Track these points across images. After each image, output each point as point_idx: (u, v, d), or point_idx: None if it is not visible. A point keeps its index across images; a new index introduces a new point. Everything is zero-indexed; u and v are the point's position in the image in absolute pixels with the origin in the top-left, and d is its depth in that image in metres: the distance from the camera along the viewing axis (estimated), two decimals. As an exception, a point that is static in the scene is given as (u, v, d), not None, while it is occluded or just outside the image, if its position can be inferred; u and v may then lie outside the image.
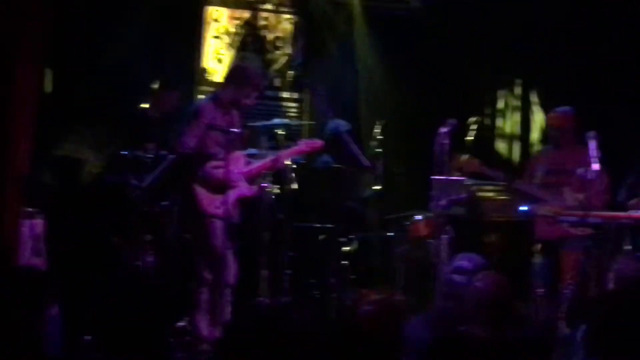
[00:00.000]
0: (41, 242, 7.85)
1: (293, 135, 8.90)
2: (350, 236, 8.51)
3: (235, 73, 7.74)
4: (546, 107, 8.41)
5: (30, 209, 7.65)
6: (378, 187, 8.47)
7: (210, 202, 7.17)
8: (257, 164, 7.70)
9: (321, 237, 8.50)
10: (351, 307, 7.84)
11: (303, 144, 8.01)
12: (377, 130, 8.56)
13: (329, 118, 8.29)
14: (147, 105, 8.59)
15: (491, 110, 9.88)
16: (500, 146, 9.23)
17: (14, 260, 6.70)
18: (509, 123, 9.99)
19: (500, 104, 10.18)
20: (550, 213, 7.98)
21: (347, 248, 8.43)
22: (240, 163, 7.45)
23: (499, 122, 9.70)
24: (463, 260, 6.77)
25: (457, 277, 5.92)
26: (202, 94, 10.02)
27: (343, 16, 10.57)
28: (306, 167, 8.94)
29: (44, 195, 7.68)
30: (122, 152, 7.83)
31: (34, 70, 6.70)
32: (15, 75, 6.58)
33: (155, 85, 8.61)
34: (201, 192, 7.23)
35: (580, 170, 7.73)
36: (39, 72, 6.71)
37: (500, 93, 10.21)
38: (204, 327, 7.33)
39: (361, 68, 10.40)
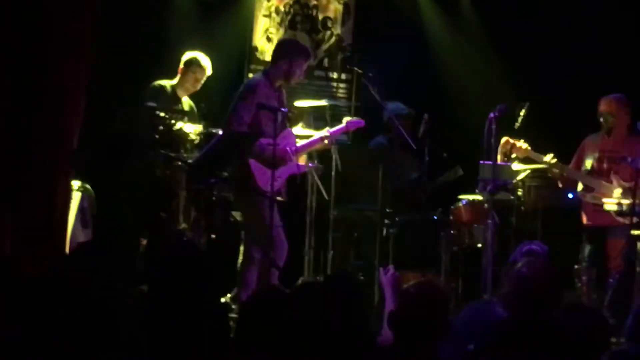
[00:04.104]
0: (88, 214, 7.95)
1: (341, 116, 8.92)
2: (395, 218, 8.49)
3: (285, 46, 7.80)
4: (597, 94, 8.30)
5: (78, 182, 7.75)
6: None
7: (265, 178, 7.17)
8: (305, 142, 7.72)
9: (376, 219, 8.45)
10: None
11: (348, 123, 8.07)
12: (425, 115, 8.56)
13: (378, 100, 8.27)
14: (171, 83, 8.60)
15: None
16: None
17: (64, 231, 6.81)
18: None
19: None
20: (598, 200, 7.95)
21: (391, 230, 8.42)
22: (290, 141, 7.48)
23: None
24: (533, 245, 6.79)
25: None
26: (252, 72, 10.05)
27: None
28: (359, 147, 8.99)
29: (94, 170, 7.76)
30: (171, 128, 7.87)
31: (86, 48, 6.76)
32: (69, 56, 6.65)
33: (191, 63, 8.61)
34: (256, 167, 7.25)
35: (629, 159, 7.68)
36: (89, 50, 6.76)
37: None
38: (249, 305, 7.37)
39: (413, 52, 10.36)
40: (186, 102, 8.62)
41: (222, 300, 7.78)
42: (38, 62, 6.49)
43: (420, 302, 4.39)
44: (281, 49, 7.74)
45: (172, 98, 8.49)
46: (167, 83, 8.54)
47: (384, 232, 8.44)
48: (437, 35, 10.54)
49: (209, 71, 8.57)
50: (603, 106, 8.13)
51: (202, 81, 8.58)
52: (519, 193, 8.43)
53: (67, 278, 4.15)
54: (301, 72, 7.64)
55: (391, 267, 5.54)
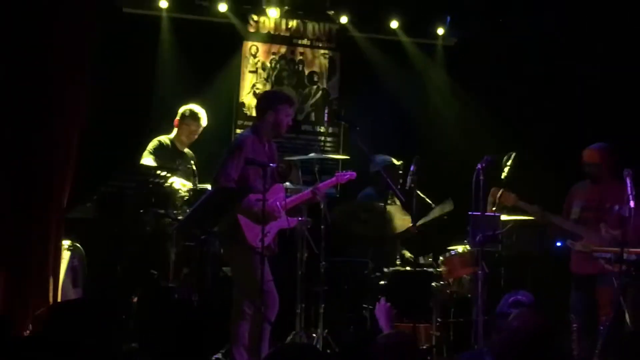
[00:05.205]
0: (79, 273, 7.94)
1: (329, 169, 8.97)
2: (385, 270, 8.52)
3: (267, 97, 7.83)
4: (583, 142, 8.36)
5: (68, 242, 7.75)
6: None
7: (254, 233, 7.18)
8: (295, 196, 7.75)
9: (365, 271, 8.49)
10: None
11: (338, 176, 8.12)
12: (413, 165, 8.63)
13: (366, 153, 8.33)
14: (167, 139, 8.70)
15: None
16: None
17: (55, 291, 6.81)
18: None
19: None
20: (586, 249, 7.95)
21: (381, 282, 8.45)
22: (279, 196, 7.50)
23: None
24: (519, 295, 6.80)
25: (515, 311, 5.92)
26: (239, 127, 10.14)
27: (378, 51, 10.67)
28: (347, 200, 9.05)
29: (84, 229, 7.77)
30: (163, 185, 7.93)
31: (79, 110, 6.84)
32: (65, 118, 6.73)
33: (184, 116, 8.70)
34: (246, 223, 7.26)
35: (617, 207, 7.72)
36: (82, 111, 6.85)
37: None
38: (241, 360, 7.37)
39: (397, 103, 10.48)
40: (187, 155, 8.73)
41: (214, 356, 7.79)
42: (31, 122, 6.56)
43: (390, 352, 4.42)
44: (264, 101, 7.74)
45: (172, 152, 8.60)
46: (166, 138, 8.64)
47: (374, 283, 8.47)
48: (423, 87, 10.67)
49: (204, 122, 8.68)
50: (587, 157, 8.15)
51: (199, 132, 8.69)
52: (508, 243, 8.47)
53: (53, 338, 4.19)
54: (289, 120, 7.65)
55: (383, 299, 5.59)
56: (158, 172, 7.92)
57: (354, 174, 8.21)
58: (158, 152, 8.52)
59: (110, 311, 7.44)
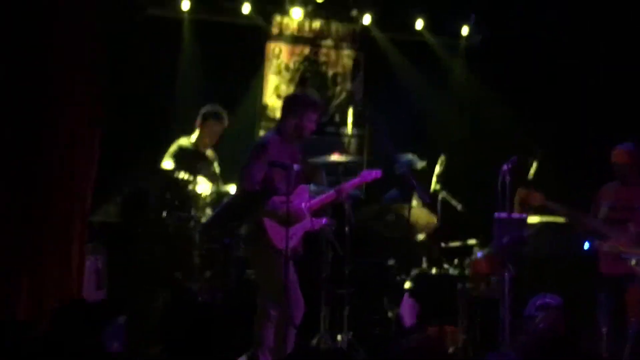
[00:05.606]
0: (103, 276, 7.94)
1: (353, 170, 8.89)
2: (411, 272, 8.47)
3: (292, 101, 7.73)
4: (607, 143, 8.27)
5: (93, 245, 7.75)
6: None
7: (280, 236, 7.11)
8: (319, 197, 7.68)
9: (390, 273, 8.45)
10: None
11: (364, 175, 8.02)
12: (438, 165, 8.57)
13: (390, 153, 8.27)
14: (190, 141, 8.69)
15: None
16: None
17: (78, 293, 6.79)
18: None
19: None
20: (614, 249, 7.88)
21: (407, 284, 8.39)
22: (304, 197, 7.43)
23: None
24: (546, 297, 6.74)
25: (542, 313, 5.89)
26: (263, 129, 10.11)
27: (401, 51, 10.62)
28: (373, 202, 9.00)
29: (108, 232, 7.77)
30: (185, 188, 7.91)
31: (94, 110, 6.82)
32: (77, 117, 6.72)
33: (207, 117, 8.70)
34: (271, 225, 7.20)
35: (646, 206, 7.66)
36: (99, 111, 6.83)
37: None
38: (266, 363, 7.32)
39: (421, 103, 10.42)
40: (210, 157, 8.71)
41: (239, 359, 7.75)
42: (52, 128, 6.55)
43: (414, 355, 4.39)
44: (289, 105, 7.66)
45: (194, 155, 8.58)
46: (186, 141, 8.62)
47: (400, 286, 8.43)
48: (447, 87, 10.61)
49: (225, 122, 8.67)
50: (615, 157, 8.10)
51: (221, 132, 8.68)
52: (535, 244, 8.39)
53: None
54: (312, 125, 7.57)
55: (407, 295, 5.57)
56: (177, 175, 7.89)
57: (380, 172, 8.10)
58: (179, 156, 8.50)
59: (109, 313, 7.45)
